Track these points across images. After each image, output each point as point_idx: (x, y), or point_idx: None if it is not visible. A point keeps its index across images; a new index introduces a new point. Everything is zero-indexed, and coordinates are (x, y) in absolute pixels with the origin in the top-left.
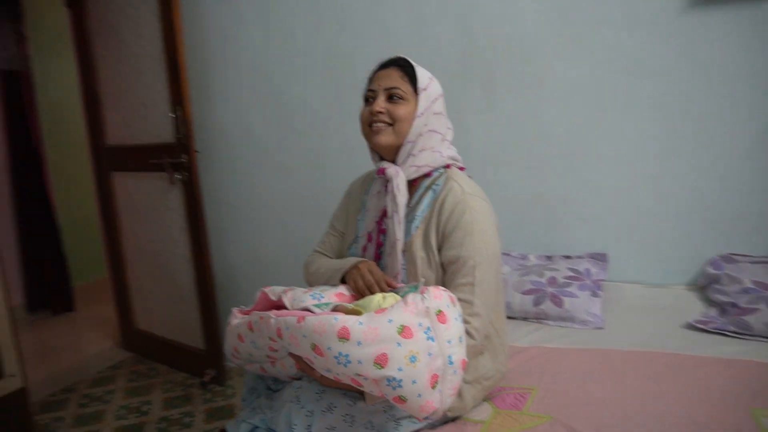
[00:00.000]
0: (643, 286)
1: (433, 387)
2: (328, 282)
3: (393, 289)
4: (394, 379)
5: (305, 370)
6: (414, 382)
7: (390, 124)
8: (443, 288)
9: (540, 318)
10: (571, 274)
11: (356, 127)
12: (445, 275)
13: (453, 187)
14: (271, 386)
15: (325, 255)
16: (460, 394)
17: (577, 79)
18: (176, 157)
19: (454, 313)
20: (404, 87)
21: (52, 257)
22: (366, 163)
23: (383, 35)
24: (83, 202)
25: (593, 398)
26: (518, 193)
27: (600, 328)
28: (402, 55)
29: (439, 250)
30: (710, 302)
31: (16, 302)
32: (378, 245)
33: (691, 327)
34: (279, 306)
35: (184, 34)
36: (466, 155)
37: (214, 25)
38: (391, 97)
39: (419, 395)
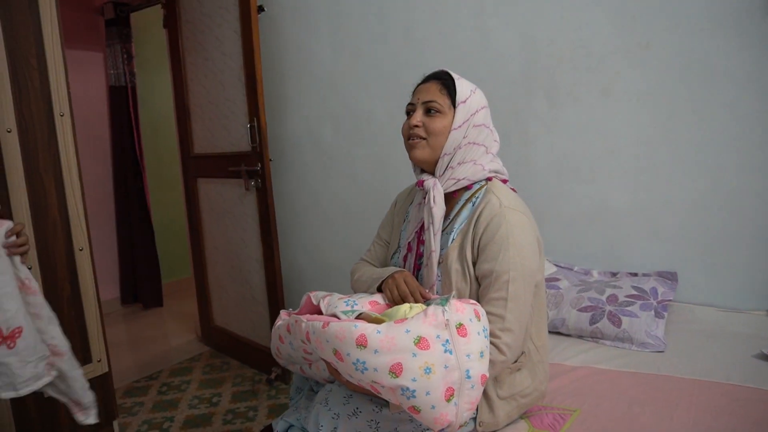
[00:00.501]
0: (716, 310)
1: (448, 400)
2: (368, 290)
3: (426, 300)
4: (407, 389)
5: (334, 375)
6: (428, 393)
7: (425, 138)
8: (471, 301)
9: (596, 337)
10: (635, 293)
11: None
12: (480, 289)
13: (491, 200)
14: (313, 387)
15: (370, 263)
16: (492, 409)
17: (646, 88)
18: (252, 165)
19: (477, 328)
20: (441, 100)
21: (146, 256)
22: None
23: (446, 46)
24: (174, 206)
25: (637, 425)
26: (583, 206)
27: (660, 352)
28: (446, 69)
29: (475, 263)
30: None
31: (113, 295)
32: (417, 255)
33: (764, 357)
34: (320, 310)
35: (262, 50)
36: (528, 166)
37: (289, 42)
38: (428, 111)
39: (433, 407)
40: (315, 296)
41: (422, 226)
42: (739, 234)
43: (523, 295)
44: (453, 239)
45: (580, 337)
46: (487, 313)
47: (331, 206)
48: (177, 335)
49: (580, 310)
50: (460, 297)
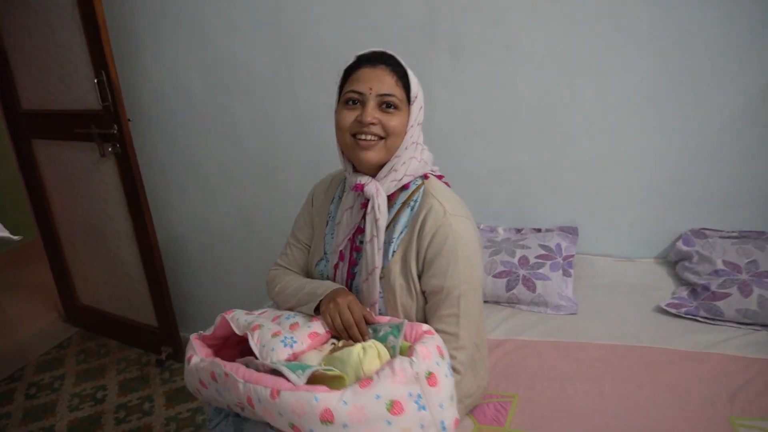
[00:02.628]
0: (613, 260)
1: None
2: (299, 306)
3: (371, 324)
4: None
5: None
6: None
7: (383, 138)
8: (425, 327)
9: (512, 302)
10: (543, 252)
11: (309, 93)
12: (427, 304)
13: (433, 206)
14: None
15: (290, 270)
16: None
17: (552, 44)
18: (106, 127)
19: (444, 370)
20: (399, 94)
21: None
22: (320, 130)
23: None
24: None
25: (574, 408)
26: (488, 163)
27: (573, 314)
28: (387, 50)
29: (419, 277)
30: (680, 280)
31: None
32: (351, 264)
33: (663, 311)
34: (238, 336)
35: None
36: (432, 125)
37: None
38: (384, 105)
39: None
40: (235, 322)
41: (356, 232)
42: (632, 190)
43: (474, 308)
44: (394, 251)
45: (497, 302)
46: (438, 331)
47: (211, 169)
48: (33, 317)
49: (495, 276)
50: (405, 314)
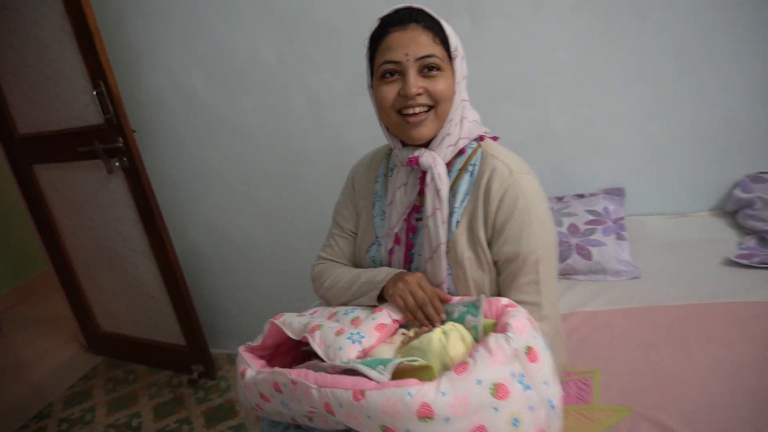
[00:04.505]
0: (666, 218)
1: None
2: (356, 299)
3: (445, 304)
4: None
5: None
6: None
7: (432, 107)
8: (506, 301)
9: (568, 274)
10: (591, 218)
11: (321, 78)
12: (500, 276)
13: (497, 167)
14: (300, 424)
15: (337, 262)
16: None
17: None
18: (110, 142)
19: (540, 342)
20: (439, 53)
21: None
22: (337, 117)
23: None
24: None
25: (664, 376)
26: (522, 131)
27: (636, 278)
28: (412, 4)
29: (490, 245)
30: (744, 230)
31: None
32: (407, 247)
33: (733, 263)
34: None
35: None
36: None
37: None
38: (425, 69)
39: None
40: (288, 326)
41: (411, 211)
42: (680, 140)
43: (553, 273)
44: (458, 222)
45: None
46: (518, 302)
47: (223, 173)
48: (54, 351)
49: None
50: (478, 290)
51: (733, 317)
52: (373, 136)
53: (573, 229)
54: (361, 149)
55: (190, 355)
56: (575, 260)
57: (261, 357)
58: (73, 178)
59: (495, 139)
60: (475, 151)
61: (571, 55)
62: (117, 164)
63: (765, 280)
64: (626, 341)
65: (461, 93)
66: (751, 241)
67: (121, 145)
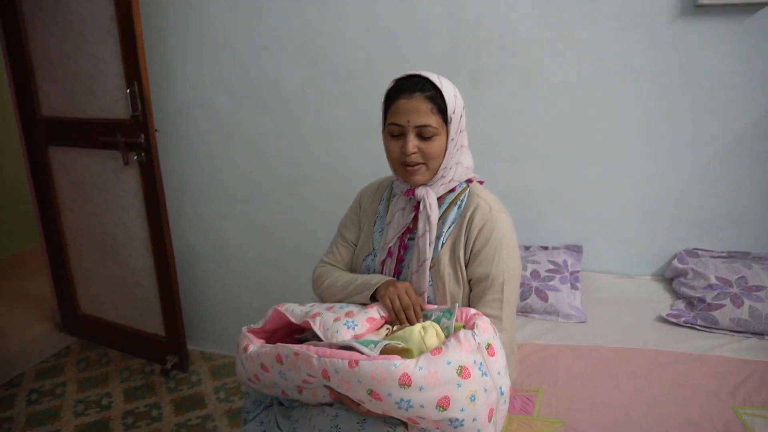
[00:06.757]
0: (615, 276)
1: (490, 420)
2: (351, 298)
3: (423, 311)
4: (456, 419)
5: (343, 401)
6: (474, 419)
7: (423, 163)
8: (473, 311)
9: (527, 312)
10: (552, 267)
11: (335, 112)
12: (472, 291)
13: (480, 204)
14: (282, 402)
15: (337, 267)
16: None
17: (566, 77)
18: (133, 136)
19: (498, 343)
20: (435, 121)
21: None
22: (344, 149)
23: (367, 17)
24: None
25: (596, 400)
26: (501, 184)
27: (583, 322)
28: (422, 73)
29: (467, 266)
30: (677, 294)
31: None
32: (398, 260)
33: (664, 320)
34: (295, 327)
35: None
36: None
37: None
38: (422, 135)
39: (478, 430)
40: (290, 312)
41: (405, 232)
42: (632, 212)
43: (515, 296)
44: (443, 243)
45: None
46: (484, 315)
47: (231, 183)
48: (27, 326)
49: None
50: (453, 301)
51: (656, 361)
52: (372, 170)
53: (535, 274)
54: (361, 180)
55: (166, 346)
56: (534, 301)
57: (259, 339)
58: (87, 164)
59: (481, 183)
60: (464, 190)
61: (551, 125)
62: (135, 158)
63: (687, 336)
64: (568, 370)
65: (457, 143)
66: (681, 305)
67: (142, 141)
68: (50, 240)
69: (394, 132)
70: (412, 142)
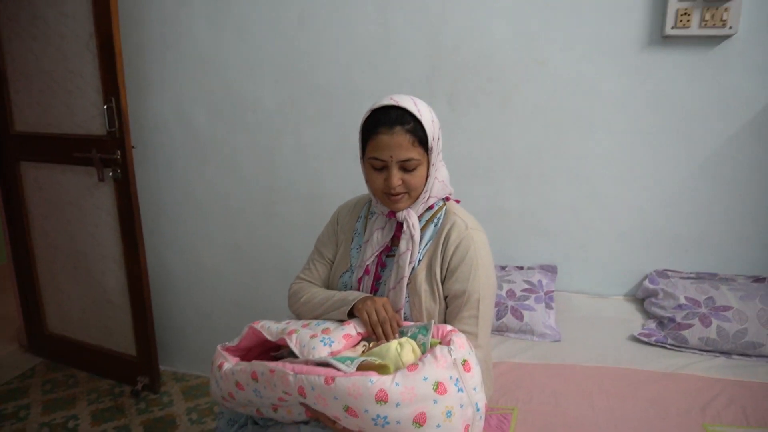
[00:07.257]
0: (588, 296)
1: None
2: (329, 314)
3: (400, 327)
4: None
5: (319, 418)
6: None
7: (406, 192)
8: (449, 327)
9: (502, 331)
10: (527, 286)
11: (313, 131)
12: (449, 307)
13: (456, 222)
14: (257, 420)
15: (313, 283)
16: None
17: (540, 101)
18: (109, 153)
19: (473, 359)
20: (417, 153)
21: None
22: (320, 168)
23: (347, 38)
24: None
25: (570, 419)
26: (479, 205)
27: (557, 341)
28: (400, 103)
29: (443, 282)
30: (648, 314)
31: None
32: (375, 278)
33: (636, 339)
34: (271, 345)
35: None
36: None
37: (152, 8)
38: (405, 167)
39: None
40: (266, 330)
41: (384, 250)
42: (604, 234)
43: (489, 312)
44: (420, 260)
45: None
46: (460, 331)
47: (207, 200)
48: None
49: None
50: (429, 317)
51: (629, 380)
52: (350, 188)
53: (510, 293)
54: (338, 198)
55: (137, 366)
56: (509, 320)
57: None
58: (60, 180)
59: (458, 202)
60: (441, 208)
61: (526, 148)
62: (110, 174)
63: (658, 355)
64: (542, 389)
65: (436, 163)
66: (652, 324)
67: (118, 157)
68: (18, 257)
69: (376, 166)
70: (396, 176)
